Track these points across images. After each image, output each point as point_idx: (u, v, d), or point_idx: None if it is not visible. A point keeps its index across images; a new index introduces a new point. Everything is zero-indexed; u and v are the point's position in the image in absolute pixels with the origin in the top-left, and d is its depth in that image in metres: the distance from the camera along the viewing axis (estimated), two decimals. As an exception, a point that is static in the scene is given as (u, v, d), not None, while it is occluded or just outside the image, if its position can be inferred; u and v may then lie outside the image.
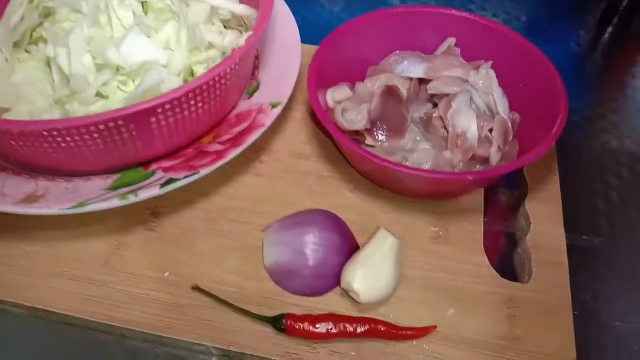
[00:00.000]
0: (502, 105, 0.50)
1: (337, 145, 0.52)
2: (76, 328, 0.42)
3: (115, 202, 0.40)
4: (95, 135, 0.39)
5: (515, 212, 0.50)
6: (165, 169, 0.44)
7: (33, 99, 0.44)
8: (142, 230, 0.46)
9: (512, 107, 0.51)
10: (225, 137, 0.46)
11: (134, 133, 0.40)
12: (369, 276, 0.41)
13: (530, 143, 0.46)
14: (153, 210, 0.48)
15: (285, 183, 0.50)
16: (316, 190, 0.50)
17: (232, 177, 0.50)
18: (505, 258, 0.47)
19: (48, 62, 0.45)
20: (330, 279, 0.43)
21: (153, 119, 0.40)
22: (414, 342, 0.41)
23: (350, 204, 0.49)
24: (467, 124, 0.47)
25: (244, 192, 0.49)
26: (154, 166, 0.44)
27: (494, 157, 0.47)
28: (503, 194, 0.52)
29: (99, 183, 0.43)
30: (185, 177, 0.42)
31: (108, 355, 0.41)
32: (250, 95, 0.50)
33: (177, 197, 0.48)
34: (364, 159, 0.43)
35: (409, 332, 0.40)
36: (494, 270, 0.45)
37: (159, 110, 0.40)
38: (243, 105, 0.49)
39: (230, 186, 0.50)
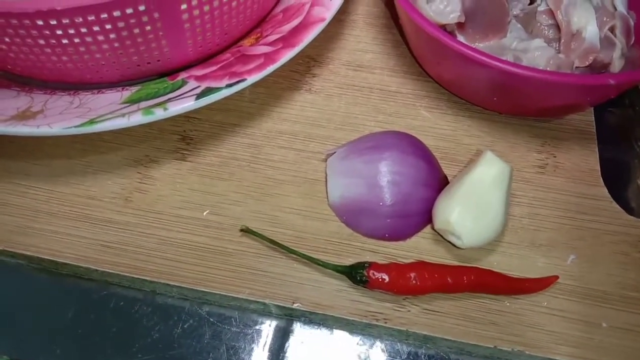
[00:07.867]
0: (620, -1, 0.39)
1: (412, 51, 0.41)
2: (93, 283, 0.33)
3: (137, 118, 0.30)
4: (108, 26, 0.29)
5: (629, 136, 0.41)
6: (198, 78, 0.33)
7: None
8: (171, 160, 0.36)
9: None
10: (273, 37, 0.35)
11: (158, 24, 0.30)
12: (472, 213, 0.31)
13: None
14: (183, 136, 0.37)
15: (343, 100, 0.40)
16: (383, 109, 0.39)
17: (279, 94, 0.40)
18: (626, 191, 0.38)
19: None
20: (416, 218, 0.34)
21: (184, 6, 0.30)
22: (529, 298, 0.32)
23: (428, 125, 0.39)
24: (584, 19, 0.36)
25: (294, 113, 0.39)
26: (183, 75, 0.34)
27: (617, 62, 0.36)
28: (613, 115, 0.42)
29: (113, 96, 0.33)
30: (228, 85, 0.32)
31: (136, 318, 0.32)
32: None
33: (211, 119, 0.38)
34: (471, 60, 0.32)
35: (526, 285, 0.31)
36: (618, 205, 0.35)
37: (192, -9, 0.29)
38: (291, -3, 0.38)
39: (278, 105, 0.39)
